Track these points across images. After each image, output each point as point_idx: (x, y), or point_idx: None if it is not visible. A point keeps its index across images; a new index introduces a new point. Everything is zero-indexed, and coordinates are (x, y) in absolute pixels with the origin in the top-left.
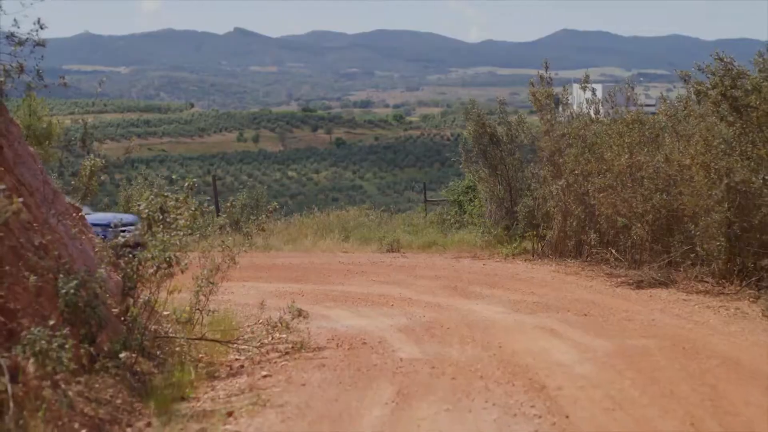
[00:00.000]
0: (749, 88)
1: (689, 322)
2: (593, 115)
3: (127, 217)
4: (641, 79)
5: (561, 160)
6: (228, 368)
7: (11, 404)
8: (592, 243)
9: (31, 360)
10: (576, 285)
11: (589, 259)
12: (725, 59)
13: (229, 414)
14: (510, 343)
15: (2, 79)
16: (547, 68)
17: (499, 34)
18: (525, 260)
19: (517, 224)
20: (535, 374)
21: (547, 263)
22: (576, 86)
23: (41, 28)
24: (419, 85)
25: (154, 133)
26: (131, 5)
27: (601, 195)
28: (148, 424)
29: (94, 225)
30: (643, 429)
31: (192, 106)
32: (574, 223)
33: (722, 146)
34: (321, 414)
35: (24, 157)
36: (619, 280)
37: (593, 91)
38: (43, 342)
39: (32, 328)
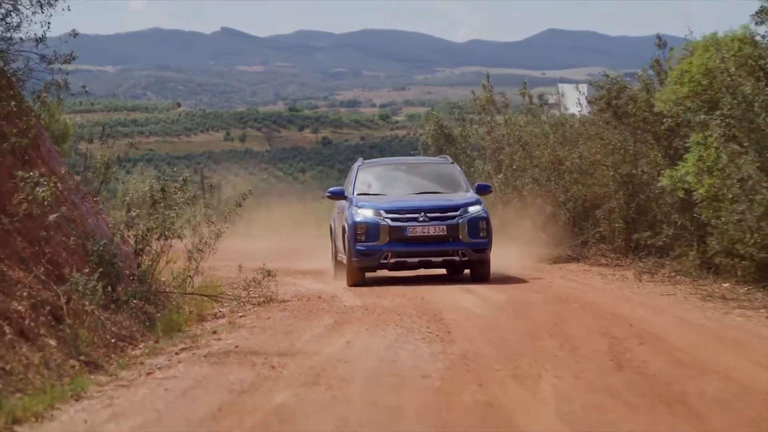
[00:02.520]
0: (627, 99)
1: (578, 284)
2: (524, 118)
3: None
4: (628, 78)
5: (500, 157)
6: (213, 316)
7: (66, 317)
8: (527, 229)
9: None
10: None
11: (523, 242)
12: (610, 75)
13: (214, 332)
14: (431, 297)
15: (45, 94)
16: (488, 78)
17: (487, 34)
18: None
19: None
20: (440, 313)
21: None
22: (561, 86)
23: (73, 59)
24: (406, 85)
25: (141, 133)
26: (118, 4)
27: (529, 187)
28: (156, 341)
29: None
30: (498, 338)
31: (179, 105)
32: (512, 212)
33: (611, 146)
34: (277, 331)
35: (53, 153)
36: (542, 257)
37: (530, 97)
38: (81, 283)
39: (74, 274)
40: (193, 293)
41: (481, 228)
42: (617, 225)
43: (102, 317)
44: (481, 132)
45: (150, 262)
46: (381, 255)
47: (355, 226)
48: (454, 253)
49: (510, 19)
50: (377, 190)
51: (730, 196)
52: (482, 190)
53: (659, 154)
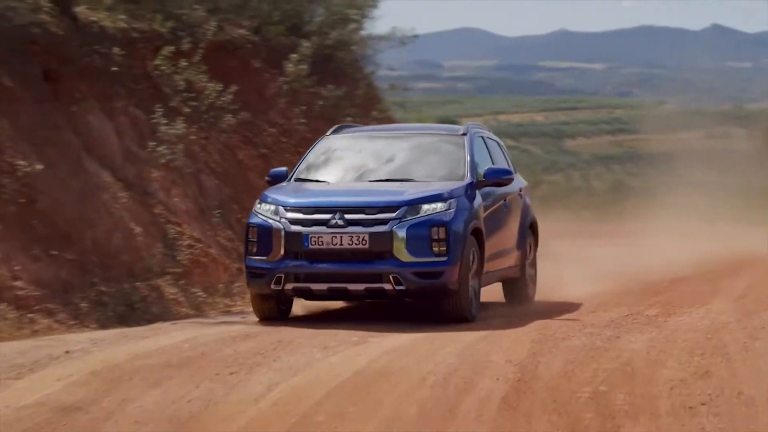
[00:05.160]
0: None
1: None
2: None
3: None
4: None
5: None
6: None
7: None
8: None
9: None
10: None
11: None
12: None
13: None
14: None
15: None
16: None
17: None
18: None
19: None
20: None
21: None
22: None
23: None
24: None
25: (622, 130)
26: (610, 3)
27: None
28: None
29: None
30: None
31: (663, 103)
32: None
33: None
34: None
35: None
36: None
37: None
38: None
39: None
40: None
41: (435, 238)
42: None
43: None
44: None
45: None
46: (272, 277)
47: (246, 229)
48: (384, 278)
49: None
50: (323, 173)
51: None
52: (493, 176)
53: None
